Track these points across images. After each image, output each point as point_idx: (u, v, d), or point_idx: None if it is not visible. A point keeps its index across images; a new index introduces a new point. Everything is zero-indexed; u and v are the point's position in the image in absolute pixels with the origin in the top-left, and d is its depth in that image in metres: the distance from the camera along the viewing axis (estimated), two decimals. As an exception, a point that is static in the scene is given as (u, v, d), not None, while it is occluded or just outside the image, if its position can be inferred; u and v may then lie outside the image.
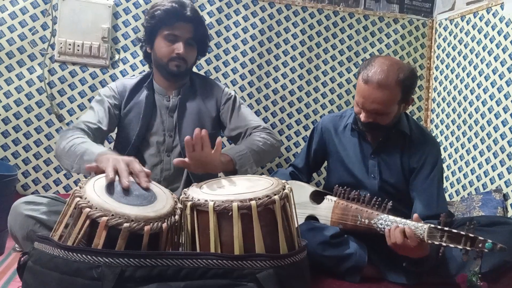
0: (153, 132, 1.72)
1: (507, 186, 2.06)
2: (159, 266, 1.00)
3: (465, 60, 2.39)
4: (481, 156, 2.22)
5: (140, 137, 1.70)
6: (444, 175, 2.42)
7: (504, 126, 2.10)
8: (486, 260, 1.29)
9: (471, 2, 2.40)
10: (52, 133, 2.20)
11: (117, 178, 1.14)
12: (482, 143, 2.22)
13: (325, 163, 1.96)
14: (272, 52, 2.47)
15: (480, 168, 2.22)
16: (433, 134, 2.54)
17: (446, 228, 1.28)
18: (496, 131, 2.14)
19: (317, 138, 1.91)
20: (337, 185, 1.68)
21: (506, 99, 2.10)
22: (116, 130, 1.80)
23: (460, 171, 2.35)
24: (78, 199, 1.03)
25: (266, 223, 1.11)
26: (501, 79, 2.14)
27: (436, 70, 2.62)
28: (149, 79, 1.79)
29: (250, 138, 1.71)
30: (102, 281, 0.96)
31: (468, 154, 2.31)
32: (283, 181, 1.22)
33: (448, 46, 2.53)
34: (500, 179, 2.10)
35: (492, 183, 2.14)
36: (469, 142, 2.30)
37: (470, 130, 2.30)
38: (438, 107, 2.58)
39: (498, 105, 2.14)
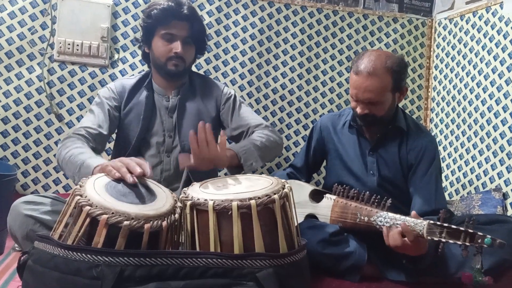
0: (153, 133, 1.72)
1: (506, 185, 2.06)
2: (158, 265, 1.00)
3: (464, 59, 2.39)
4: (481, 155, 2.22)
5: (140, 138, 1.70)
6: (444, 174, 2.43)
7: (503, 125, 2.10)
8: (485, 259, 1.29)
9: (470, 1, 2.40)
10: (51, 133, 2.20)
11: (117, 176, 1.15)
12: (482, 142, 2.22)
13: (325, 163, 1.97)
14: (271, 51, 2.47)
15: (479, 167, 2.22)
16: (433, 133, 2.54)
17: (445, 224, 1.29)
18: (495, 130, 2.14)
19: (316, 137, 1.92)
20: (336, 184, 1.69)
21: (506, 98, 2.10)
22: (116, 131, 1.80)
23: (459, 170, 2.35)
24: (78, 197, 1.03)
25: (265, 222, 1.11)
26: (500, 78, 2.15)
27: (436, 69, 2.62)
28: (148, 79, 1.78)
29: (252, 135, 1.70)
30: (102, 280, 0.96)
31: (467, 153, 2.31)
32: (283, 180, 1.22)
33: (448, 45, 2.53)
34: (499, 178, 2.10)
35: (491, 182, 2.14)
36: (469, 141, 2.31)
37: (470, 129, 2.31)
38: (438, 106, 2.58)
39: (497, 104, 2.15)
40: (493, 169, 2.14)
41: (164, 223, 1.05)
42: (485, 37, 2.26)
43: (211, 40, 2.37)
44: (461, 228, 1.25)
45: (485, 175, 2.18)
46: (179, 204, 1.16)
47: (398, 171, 1.73)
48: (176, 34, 1.67)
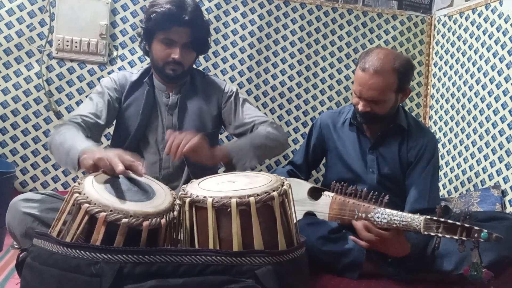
0: (152, 130, 1.70)
1: (505, 183, 2.06)
2: (158, 263, 1.00)
3: (463, 56, 2.39)
4: (480, 152, 2.22)
5: (139, 134, 1.68)
6: (443, 171, 2.43)
7: (502, 122, 2.10)
8: (484, 255, 1.29)
9: (469, -1, 2.40)
10: (50, 130, 2.20)
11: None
12: (481, 140, 2.22)
13: (324, 160, 1.97)
14: (270, 48, 2.46)
15: (478, 165, 2.22)
16: (432, 131, 2.54)
17: (442, 219, 1.29)
18: (494, 128, 2.14)
19: (316, 134, 1.91)
20: (334, 181, 1.69)
21: (505, 95, 2.10)
22: (114, 125, 1.78)
23: (458, 168, 2.35)
24: (76, 194, 1.03)
25: (264, 219, 1.10)
26: (499, 75, 2.14)
27: (435, 67, 2.62)
28: (149, 74, 1.75)
29: (254, 132, 1.68)
30: (101, 278, 0.96)
31: (466, 151, 2.31)
32: (282, 177, 1.22)
33: (447, 42, 2.53)
34: (498, 175, 2.10)
35: (490, 180, 2.14)
36: (468, 139, 2.31)
37: (469, 127, 2.31)
38: (437, 103, 2.58)
39: (496, 102, 2.15)
40: (492, 167, 2.14)
41: (163, 221, 1.05)
42: (484, 34, 2.26)
43: (210, 37, 2.36)
44: (458, 223, 1.25)
45: (484, 173, 2.18)
46: (178, 201, 1.16)
47: (397, 169, 1.73)
48: (175, 40, 1.61)
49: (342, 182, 1.65)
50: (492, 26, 2.21)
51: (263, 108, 2.46)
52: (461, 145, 2.35)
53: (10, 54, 2.15)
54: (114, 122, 1.78)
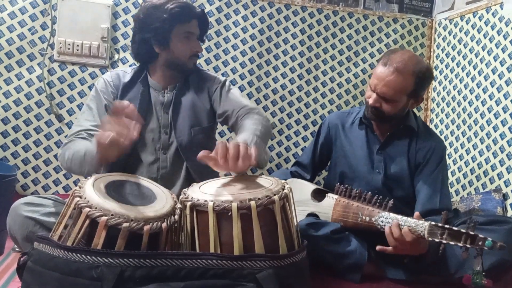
0: (148, 130, 1.67)
1: (506, 186, 2.06)
2: (158, 266, 1.00)
3: (464, 59, 2.39)
4: (481, 156, 2.22)
5: None
6: (444, 174, 2.43)
7: (503, 125, 2.10)
8: (485, 259, 1.29)
9: (470, 2, 2.40)
10: (51, 133, 2.20)
11: (116, 178, 1.14)
12: (482, 143, 2.22)
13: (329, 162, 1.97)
14: (271, 52, 2.47)
15: (479, 168, 2.22)
16: (433, 134, 2.54)
17: (446, 226, 1.29)
18: (495, 131, 2.14)
19: (324, 133, 1.92)
20: (338, 183, 1.69)
21: (506, 98, 2.10)
22: None
23: (459, 171, 2.35)
24: (77, 199, 1.03)
25: (265, 223, 1.11)
26: (500, 78, 2.14)
27: (436, 70, 2.62)
28: (144, 74, 1.72)
29: (245, 123, 1.58)
30: (102, 281, 0.96)
31: (467, 154, 2.31)
32: (283, 181, 1.22)
33: (448, 45, 2.53)
34: (499, 179, 2.10)
35: (491, 183, 2.14)
36: (469, 142, 2.31)
37: (470, 130, 2.30)
38: (438, 106, 2.58)
39: (497, 105, 2.14)
40: (493, 170, 2.14)
41: (164, 225, 1.05)
42: (485, 38, 2.26)
43: (211, 40, 2.37)
44: (463, 230, 1.25)
45: (485, 176, 2.18)
46: (179, 205, 1.16)
47: (404, 170, 1.73)
48: (194, 32, 1.67)
49: (347, 185, 1.66)
50: (492, 29, 2.21)
51: (264, 111, 2.46)
52: (462, 148, 2.35)
53: (12, 57, 2.15)
54: None
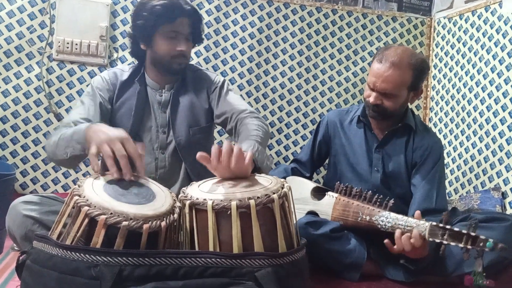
0: (146, 129, 1.67)
1: (505, 185, 2.06)
2: (157, 265, 1.00)
3: (463, 58, 2.39)
4: (480, 154, 2.22)
5: (133, 134, 1.61)
6: (443, 173, 2.43)
7: (502, 124, 2.10)
8: (484, 256, 1.29)
9: (469, 0, 2.40)
10: (50, 132, 2.20)
11: (116, 176, 1.14)
12: (481, 142, 2.22)
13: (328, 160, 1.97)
14: (270, 50, 2.47)
15: (478, 167, 2.22)
16: (432, 133, 2.54)
17: (447, 227, 1.29)
18: (494, 130, 2.14)
19: (322, 131, 1.92)
20: (338, 182, 1.69)
21: (505, 97, 2.11)
22: None
23: (458, 170, 2.35)
24: (76, 197, 1.03)
25: (265, 222, 1.10)
26: (499, 77, 2.15)
27: (435, 69, 2.62)
28: (141, 72, 1.71)
29: (245, 128, 1.57)
30: (101, 280, 0.96)
31: (466, 153, 2.31)
32: (282, 180, 1.22)
33: (447, 44, 2.53)
34: (498, 177, 2.10)
35: (490, 182, 2.14)
36: (468, 141, 2.31)
37: (469, 129, 2.31)
38: (437, 105, 2.58)
39: (496, 104, 2.15)
40: (492, 168, 2.14)
41: (163, 223, 1.05)
42: (484, 36, 2.26)
43: (210, 39, 2.37)
44: (464, 231, 1.25)
45: (484, 174, 2.18)
46: (178, 203, 1.16)
47: (402, 169, 1.74)
48: (180, 32, 1.61)
49: (347, 184, 1.66)
50: (491, 28, 2.22)
51: (263, 110, 2.46)
52: (461, 147, 2.35)
53: (10, 56, 2.15)
54: None
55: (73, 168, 2.20)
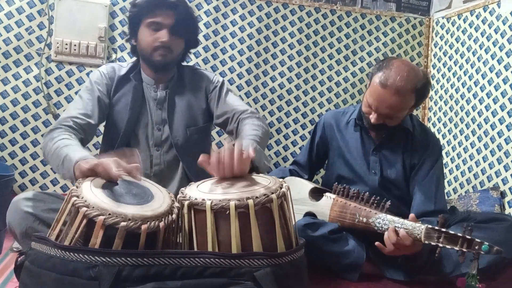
0: (141, 125, 1.66)
1: (504, 184, 2.06)
2: (156, 265, 1.00)
3: (462, 58, 2.40)
4: (479, 154, 2.22)
5: (128, 130, 1.64)
6: (442, 173, 2.43)
7: (501, 124, 2.11)
8: (483, 257, 1.29)
9: (468, 0, 2.41)
10: (49, 133, 2.20)
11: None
12: (480, 141, 2.22)
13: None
14: (269, 51, 2.47)
15: (477, 166, 2.22)
16: (431, 132, 2.54)
17: (443, 229, 1.29)
18: (493, 129, 2.14)
19: (319, 133, 1.91)
20: (336, 183, 1.69)
21: (503, 97, 2.11)
22: (104, 122, 1.73)
23: (457, 169, 2.35)
24: (75, 198, 1.03)
25: (263, 221, 1.10)
26: (498, 77, 2.15)
27: (433, 68, 2.62)
28: (137, 69, 1.71)
29: (245, 128, 1.58)
30: (100, 281, 0.96)
31: (465, 152, 2.31)
32: (280, 179, 1.22)
33: (445, 44, 2.54)
34: (497, 177, 2.10)
35: (489, 181, 2.14)
36: (467, 140, 2.31)
37: (468, 128, 2.31)
38: (436, 105, 2.58)
39: (495, 103, 2.15)
40: (490, 168, 2.14)
41: (162, 224, 1.05)
42: (482, 36, 2.26)
43: (209, 39, 2.37)
44: (459, 234, 1.26)
45: (483, 174, 2.18)
46: (176, 204, 1.16)
47: (400, 171, 1.72)
48: (162, 23, 1.58)
49: (344, 185, 1.65)
50: (490, 28, 2.22)
51: (262, 110, 2.46)
52: (459, 146, 2.36)
53: (9, 57, 2.15)
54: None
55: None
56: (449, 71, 2.48)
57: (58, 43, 2.18)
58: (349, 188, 1.63)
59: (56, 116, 2.20)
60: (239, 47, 2.42)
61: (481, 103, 2.23)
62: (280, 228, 1.13)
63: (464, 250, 1.24)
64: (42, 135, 2.19)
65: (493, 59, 2.18)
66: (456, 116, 2.40)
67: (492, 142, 2.14)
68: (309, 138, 2.00)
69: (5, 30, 2.14)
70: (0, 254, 1.62)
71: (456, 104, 2.40)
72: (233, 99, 1.74)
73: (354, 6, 2.59)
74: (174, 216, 1.11)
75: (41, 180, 2.20)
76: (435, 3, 2.66)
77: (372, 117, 1.63)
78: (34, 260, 1.03)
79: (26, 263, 1.05)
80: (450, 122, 2.44)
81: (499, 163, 2.10)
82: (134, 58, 1.75)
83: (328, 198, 1.65)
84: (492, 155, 2.14)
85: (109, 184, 1.12)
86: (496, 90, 2.15)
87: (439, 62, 2.58)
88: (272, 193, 1.12)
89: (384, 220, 1.45)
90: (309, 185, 1.77)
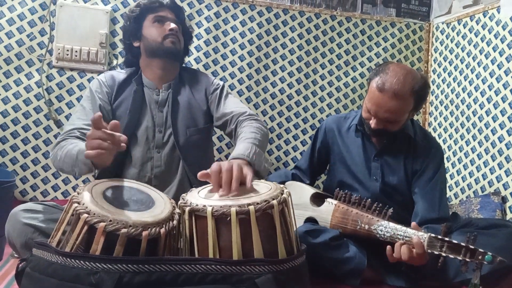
0: (142, 128, 1.68)
1: (505, 189, 2.06)
2: (157, 272, 1.00)
3: (462, 63, 2.40)
4: (479, 159, 2.22)
5: (129, 133, 1.65)
6: (443, 178, 2.43)
7: (501, 128, 2.11)
8: (484, 264, 1.29)
9: (467, 6, 2.41)
10: (50, 139, 2.20)
11: (113, 184, 1.14)
12: (480, 146, 2.22)
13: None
14: (269, 56, 2.47)
15: (478, 171, 2.22)
16: (431, 137, 2.54)
17: (446, 239, 1.29)
18: (494, 134, 2.14)
19: (320, 138, 1.91)
20: (338, 189, 1.68)
21: (504, 101, 2.11)
22: None
23: (458, 174, 2.35)
24: (76, 204, 1.03)
25: (264, 228, 1.10)
26: (498, 82, 2.15)
27: (434, 73, 2.63)
28: (138, 74, 1.75)
29: (244, 131, 1.58)
30: (100, 287, 0.96)
31: (466, 157, 2.31)
32: (281, 185, 1.22)
33: (445, 49, 2.54)
34: (498, 182, 2.10)
35: (490, 186, 2.14)
36: (467, 145, 2.31)
37: (468, 133, 2.31)
38: (436, 110, 2.58)
39: (495, 108, 2.15)
40: (491, 173, 2.14)
41: (162, 230, 1.05)
42: (482, 41, 2.27)
43: (210, 45, 2.38)
44: (462, 244, 1.25)
45: (484, 179, 2.18)
46: (177, 210, 1.16)
47: (402, 178, 1.72)
48: (166, 16, 1.73)
49: (346, 191, 1.65)
50: (490, 33, 2.22)
51: (263, 116, 2.47)
52: (460, 151, 2.35)
53: (10, 63, 2.15)
54: None
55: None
56: (449, 76, 2.49)
57: (59, 49, 2.19)
58: (351, 194, 1.62)
59: (57, 122, 2.21)
60: (239, 52, 2.43)
61: (481, 108, 2.23)
62: (281, 234, 1.13)
63: (467, 260, 1.24)
64: (43, 141, 2.19)
65: (493, 64, 2.19)
66: (457, 121, 2.40)
67: (493, 147, 2.14)
68: (310, 143, 2.00)
69: (7, 36, 2.14)
70: (1, 261, 1.62)
71: (457, 109, 2.40)
72: (232, 101, 1.76)
73: (354, 11, 2.60)
74: (175, 222, 1.11)
75: (42, 186, 2.20)
76: (435, 8, 2.67)
77: (372, 123, 1.63)
78: (35, 267, 1.03)
79: (27, 269, 1.05)
80: (451, 127, 2.44)
81: (500, 168, 2.10)
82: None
83: (330, 204, 1.65)
84: (493, 160, 2.14)
85: (110, 190, 1.13)
86: (497, 95, 2.15)
87: (439, 67, 2.58)
88: (273, 199, 1.12)
89: (387, 228, 1.44)
90: (311, 190, 1.77)
